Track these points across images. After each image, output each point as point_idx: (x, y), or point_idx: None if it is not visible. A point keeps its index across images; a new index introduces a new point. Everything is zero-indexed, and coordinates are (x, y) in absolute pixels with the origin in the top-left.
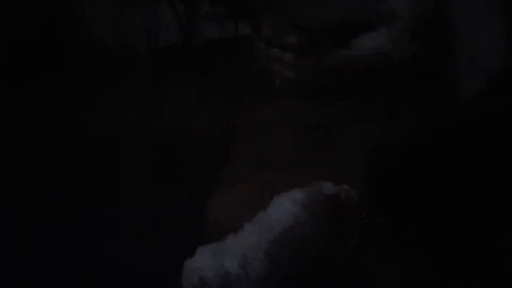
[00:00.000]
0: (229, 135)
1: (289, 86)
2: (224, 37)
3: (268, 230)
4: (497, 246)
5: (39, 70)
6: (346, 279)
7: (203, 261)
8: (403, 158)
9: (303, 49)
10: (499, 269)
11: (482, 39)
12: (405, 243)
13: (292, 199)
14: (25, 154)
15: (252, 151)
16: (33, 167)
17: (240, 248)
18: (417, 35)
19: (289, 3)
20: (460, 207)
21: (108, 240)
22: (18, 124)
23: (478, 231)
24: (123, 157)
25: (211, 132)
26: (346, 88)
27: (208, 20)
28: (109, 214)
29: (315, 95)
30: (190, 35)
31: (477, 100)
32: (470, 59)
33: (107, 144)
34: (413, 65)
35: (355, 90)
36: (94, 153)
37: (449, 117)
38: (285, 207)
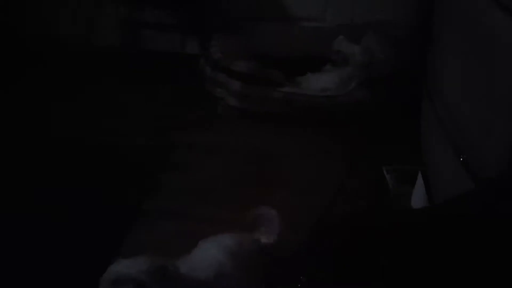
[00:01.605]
0: (162, 158)
1: (232, 114)
2: (169, 50)
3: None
4: None
5: None
6: None
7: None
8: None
9: (251, 78)
10: None
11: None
12: None
13: (219, 245)
14: None
15: (185, 181)
16: None
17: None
18: (364, 82)
19: (245, 28)
20: None
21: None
22: None
23: None
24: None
25: (142, 152)
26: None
27: (153, 29)
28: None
29: (259, 124)
30: (131, 40)
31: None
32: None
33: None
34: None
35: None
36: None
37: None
38: (209, 254)
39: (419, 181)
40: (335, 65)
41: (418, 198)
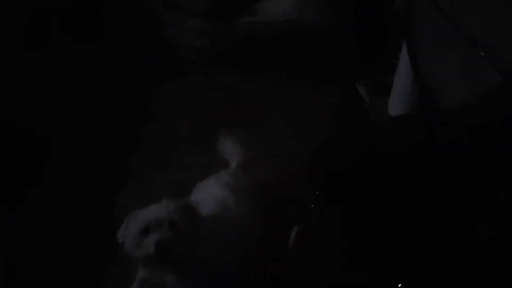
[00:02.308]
0: (138, 115)
1: (197, 55)
2: None
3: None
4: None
5: None
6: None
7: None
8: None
9: (210, 14)
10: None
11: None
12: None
13: (219, 182)
14: None
15: (165, 133)
16: None
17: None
18: (324, 4)
19: None
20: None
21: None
22: None
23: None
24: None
25: (119, 113)
26: (257, 57)
27: None
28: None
29: (227, 64)
30: None
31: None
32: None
33: None
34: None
35: (268, 60)
36: None
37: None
38: (212, 191)
39: (404, 52)
40: None
41: (403, 71)
